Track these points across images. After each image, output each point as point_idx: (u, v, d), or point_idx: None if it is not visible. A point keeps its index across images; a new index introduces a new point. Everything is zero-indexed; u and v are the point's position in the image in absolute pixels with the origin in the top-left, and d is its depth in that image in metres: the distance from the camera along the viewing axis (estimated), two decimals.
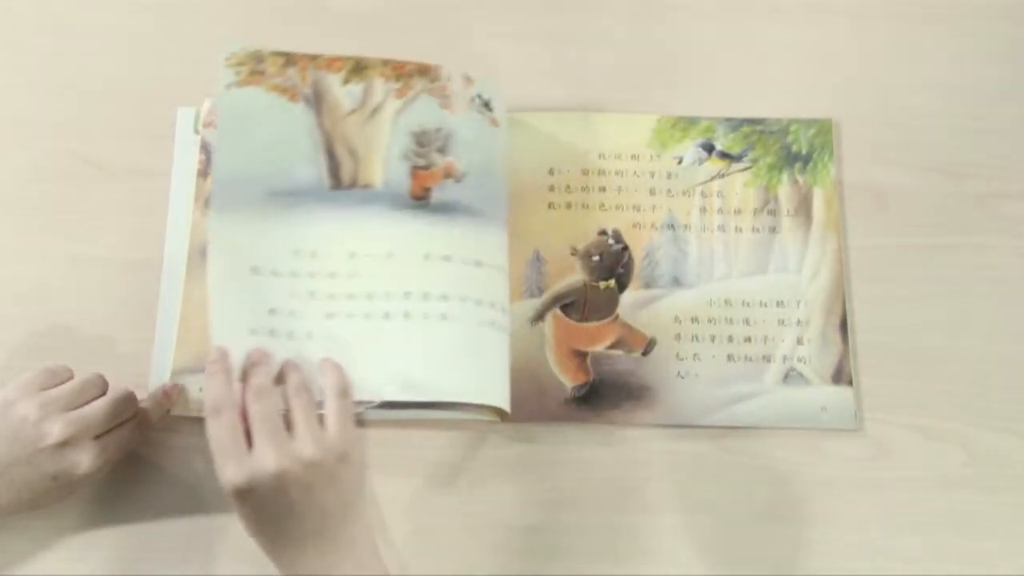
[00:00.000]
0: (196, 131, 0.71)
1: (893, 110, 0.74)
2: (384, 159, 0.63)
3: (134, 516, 0.63)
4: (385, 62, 0.65)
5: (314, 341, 0.59)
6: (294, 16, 0.77)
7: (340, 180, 0.63)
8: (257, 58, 0.64)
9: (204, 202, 0.69)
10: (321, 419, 0.54)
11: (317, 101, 0.64)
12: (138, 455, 0.63)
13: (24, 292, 0.68)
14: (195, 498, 0.63)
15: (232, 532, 0.62)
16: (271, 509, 0.51)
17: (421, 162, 0.63)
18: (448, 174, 0.64)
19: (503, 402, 0.61)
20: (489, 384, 0.61)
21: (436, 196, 0.63)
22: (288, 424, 0.53)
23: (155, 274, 0.68)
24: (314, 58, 0.65)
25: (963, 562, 0.62)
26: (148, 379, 0.65)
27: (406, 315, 0.60)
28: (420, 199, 0.63)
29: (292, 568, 0.52)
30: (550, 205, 0.70)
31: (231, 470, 0.50)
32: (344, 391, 0.56)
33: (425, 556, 0.62)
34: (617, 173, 0.71)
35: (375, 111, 0.64)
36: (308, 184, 0.62)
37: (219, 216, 0.61)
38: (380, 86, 0.65)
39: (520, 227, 0.69)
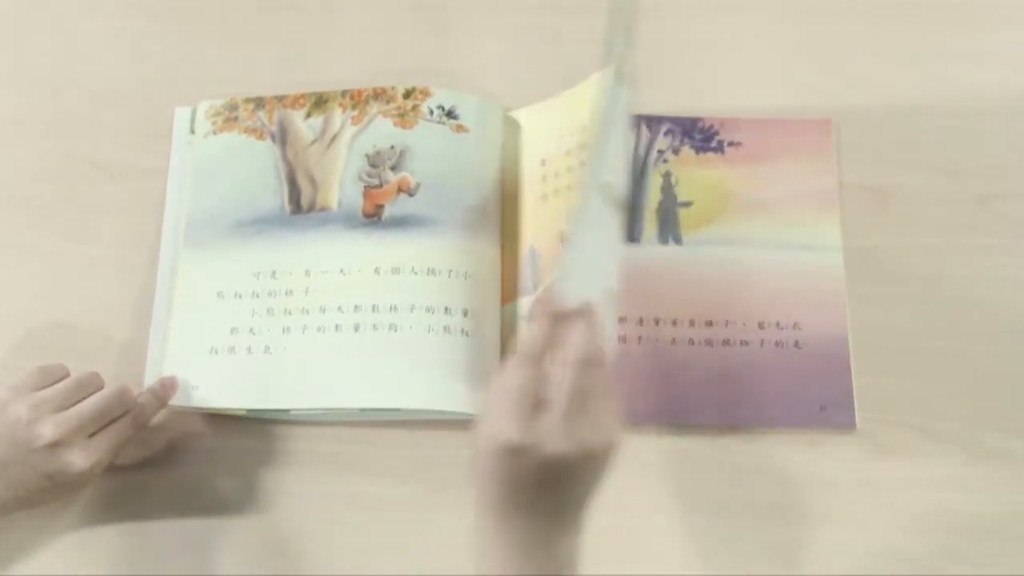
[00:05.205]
0: (191, 131, 0.72)
1: (893, 110, 0.74)
2: (340, 183, 0.69)
3: (134, 516, 0.63)
4: (344, 92, 0.71)
5: (271, 355, 0.65)
6: (292, 16, 0.77)
7: (300, 206, 0.68)
8: (231, 106, 0.72)
9: None
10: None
11: (282, 136, 0.70)
12: (138, 455, 0.63)
13: (23, 291, 0.68)
14: (195, 498, 0.63)
15: (232, 532, 0.62)
16: (526, 479, 0.48)
17: (374, 182, 0.68)
18: (401, 189, 0.67)
19: (455, 404, 0.62)
20: (441, 388, 0.63)
21: (389, 212, 0.67)
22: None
23: (154, 273, 0.68)
24: (281, 98, 0.72)
25: (963, 562, 0.62)
26: (144, 376, 0.66)
27: (356, 327, 0.64)
28: (372, 217, 0.67)
29: (508, 534, 0.49)
30: (544, 197, 0.70)
31: (515, 429, 0.46)
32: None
33: (424, 556, 0.62)
34: None
35: (333, 139, 0.70)
36: (271, 212, 0.68)
37: (191, 251, 0.68)
38: (338, 116, 0.71)
39: (516, 225, 0.70)
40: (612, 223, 0.54)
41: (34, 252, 0.70)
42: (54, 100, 0.74)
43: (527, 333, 0.49)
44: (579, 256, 0.52)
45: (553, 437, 0.46)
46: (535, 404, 0.47)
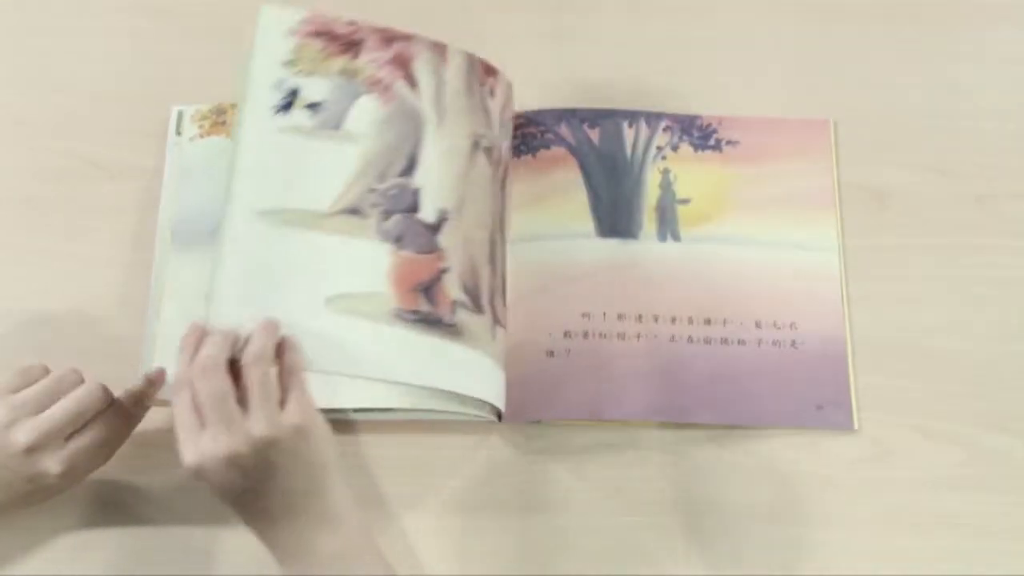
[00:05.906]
0: (178, 132, 0.72)
1: (893, 110, 0.74)
2: None
3: (134, 516, 0.63)
4: None
5: None
6: None
7: None
8: (219, 111, 0.72)
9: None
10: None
11: None
12: (137, 454, 0.63)
13: (22, 290, 0.68)
14: (196, 497, 0.63)
15: (232, 533, 0.62)
16: (231, 488, 0.52)
17: None
18: None
19: (448, 404, 0.62)
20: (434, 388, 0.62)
21: None
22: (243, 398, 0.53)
23: (150, 273, 0.68)
24: None
25: (963, 562, 0.62)
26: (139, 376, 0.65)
27: None
28: None
29: (269, 542, 0.54)
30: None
31: (187, 451, 0.51)
32: (296, 367, 0.55)
33: (424, 556, 0.62)
34: None
35: None
36: None
37: (179, 253, 0.68)
38: None
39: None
40: (294, 242, 0.59)
41: (33, 251, 0.70)
42: (54, 100, 0.74)
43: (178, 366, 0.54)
44: (235, 279, 0.57)
45: (210, 447, 0.50)
46: (202, 424, 0.51)
